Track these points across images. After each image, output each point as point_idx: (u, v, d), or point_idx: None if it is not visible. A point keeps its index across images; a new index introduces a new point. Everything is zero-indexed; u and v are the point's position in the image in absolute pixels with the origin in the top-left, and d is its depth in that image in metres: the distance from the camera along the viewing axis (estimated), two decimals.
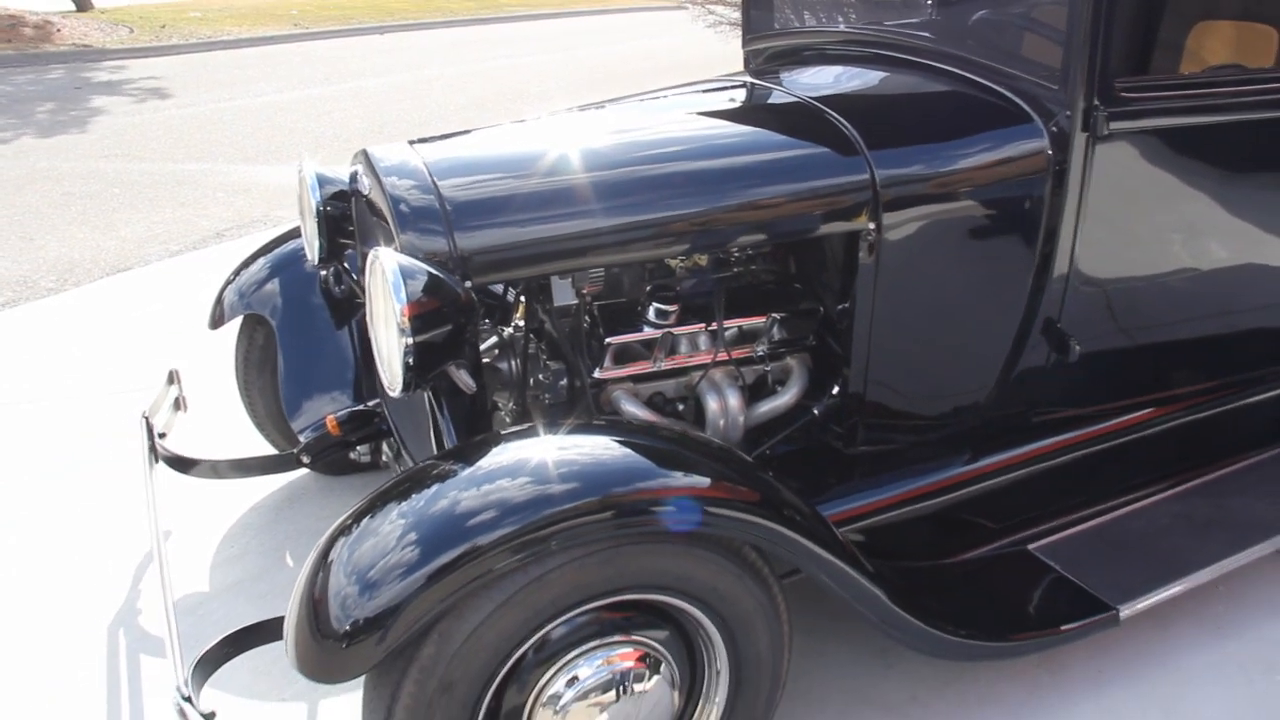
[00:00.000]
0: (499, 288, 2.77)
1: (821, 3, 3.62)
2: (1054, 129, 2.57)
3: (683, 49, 15.51)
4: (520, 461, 1.94)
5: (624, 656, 2.07)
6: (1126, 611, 2.60)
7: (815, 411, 2.82)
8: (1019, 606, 2.65)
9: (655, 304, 2.60)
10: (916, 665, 2.80)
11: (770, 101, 2.95)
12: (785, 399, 2.78)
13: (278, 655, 2.76)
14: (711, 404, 2.67)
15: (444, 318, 2.17)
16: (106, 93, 13.25)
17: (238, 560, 3.33)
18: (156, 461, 3.12)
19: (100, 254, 6.74)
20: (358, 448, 3.20)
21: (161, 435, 3.22)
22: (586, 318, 2.63)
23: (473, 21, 22.94)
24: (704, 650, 2.20)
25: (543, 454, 1.95)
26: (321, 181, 3.06)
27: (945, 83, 2.83)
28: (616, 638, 2.07)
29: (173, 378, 3.48)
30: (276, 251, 3.52)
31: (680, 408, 2.72)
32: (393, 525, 1.88)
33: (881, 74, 3.02)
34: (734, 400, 2.68)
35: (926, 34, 3.01)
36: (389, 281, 2.12)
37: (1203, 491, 3.09)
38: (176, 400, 3.46)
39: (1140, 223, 2.75)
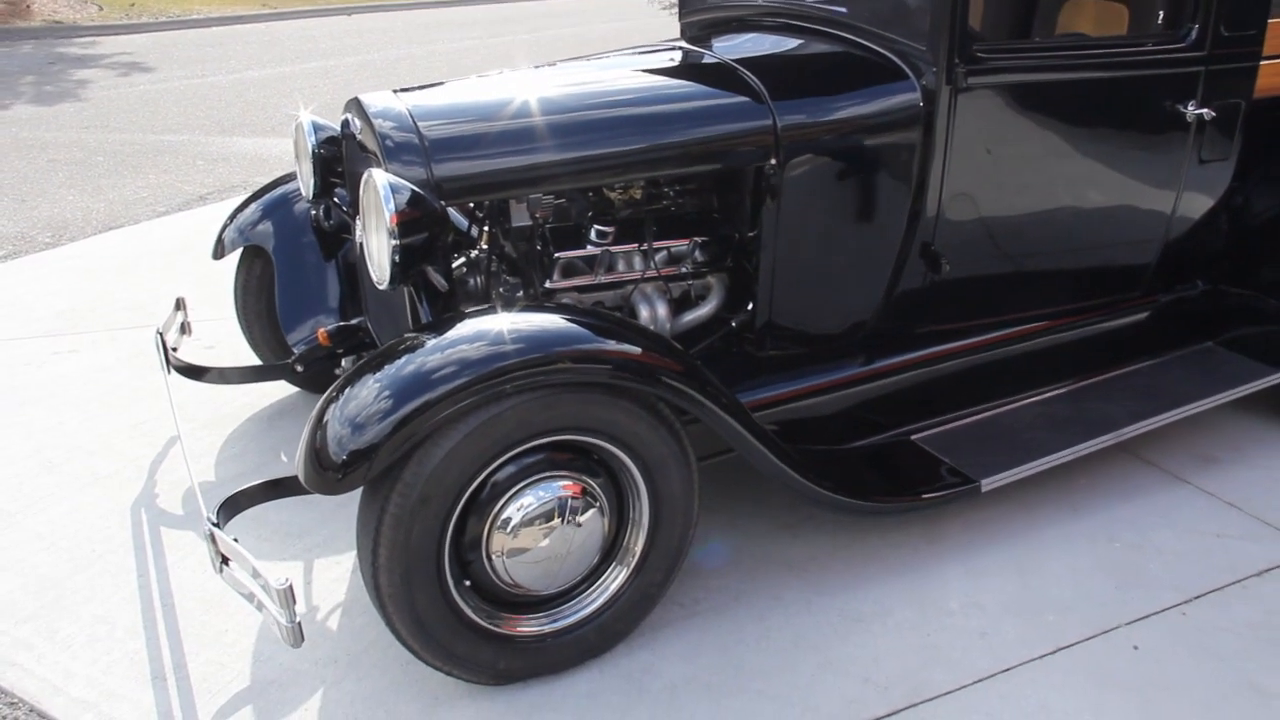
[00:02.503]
0: (464, 222, 3.29)
1: None
2: (924, 84, 3.13)
3: (648, 30, 16.01)
4: (480, 331, 2.47)
5: (566, 488, 2.61)
6: (988, 484, 3.16)
7: (733, 323, 3.36)
8: (897, 479, 3.20)
9: (596, 226, 3.13)
10: (816, 535, 3.36)
11: (695, 62, 3.49)
12: (705, 310, 3.32)
13: (281, 523, 3.32)
14: (643, 313, 3.21)
15: (423, 225, 2.70)
16: (82, 67, 13.66)
17: (239, 457, 3.86)
18: (170, 372, 3.65)
19: (90, 214, 7.20)
20: (343, 361, 3.72)
21: (174, 349, 3.74)
22: (539, 238, 3.16)
23: (441, 4, 23.30)
24: (630, 488, 2.74)
25: (499, 325, 2.49)
26: (316, 128, 3.58)
27: (839, 46, 3.39)
28: (558, 474, 2.61)
29: (180, 304, 4.00)
30: (271, 194, 4.04)
31: (620, 317, 3.25)
32: (377, 380, 2.42)
33: (790, 39, 3.57)
34: (662, 310, 3.22)
35: (827, 6, 3.55)
36: (380, 195, 2.65)
37: (1066, 398, 3.66)
38: (183, 325, 3.98)
39: (998, 162, 3.30)
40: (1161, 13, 3.52)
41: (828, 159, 3.15)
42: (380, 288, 2.81)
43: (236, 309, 4.11)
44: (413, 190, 2.70)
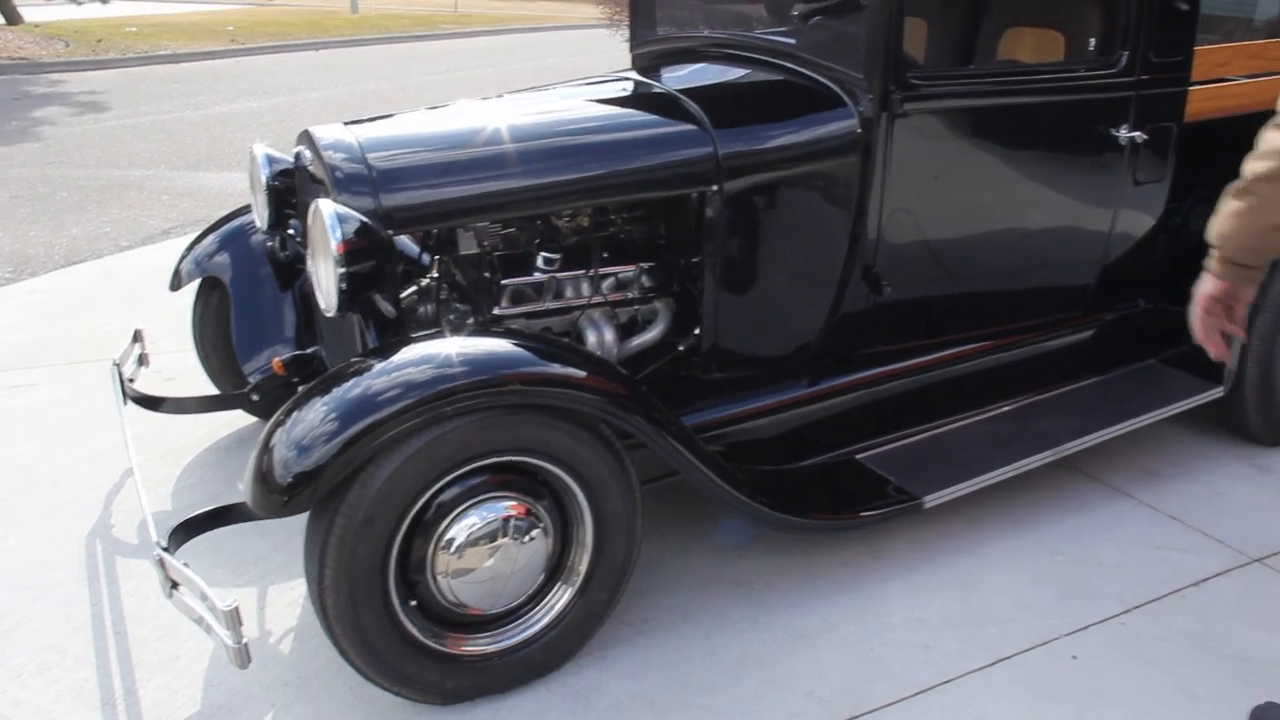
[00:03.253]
0: (415, 250, 3.35)
1: (692, 16, 4.26)
2: (861, 111, 3.21)
3: (616, 62, 16.11)
4: (424, 354, 2.54)
5: (510, 509, 2.67)
6: (930, 501, 3.23)
7: (680, 347, 3.42)
8: (841, 497, 3.26)
9: (543, 253, 3.20)
10: (763, 554, 3.42)
11: (640, 92, 3.57)
12: (652, 335, 3.38)
13: (234, 551, 3.35)
14: (590, 338, 3.27)
15: (369, 254, 2.76)
16: (47, 104, 13.66)
17: (197, 486, 3.89)
18: (126, 402, 3.68)
19: (52, 249, 7.22)
20: (299, 389, 3.76)
21: (130, 380, 3.78)
22: (487, 265, 3.21)
23: (408, 38, 23.50)
24: (574, 508, 2.79)
25: (445, 349, 2.55)
26: (270, 160, 3.65)
27: (781, 75, 3.47)
28: (502, 494, 2.67)
29: (137, 336, 4.04)
30: (228, 225, 4.09)
31: (566, 341, 3.31)
32: (322, 403, 2.49)
33: (735, 69, 3.66)
34: (609, 335, 3.28)
35: (771, 37, 3.64)
36: (326, 224, 2.71)
37: (1010, 416, 3.74)
38: (140, 357, 4.02)
39: (937, 186, 3.38)
40: (1094, 40, 3.63)
41: (768, 185, 3.23)
42: (328, 315, 2.87)
43: (194, 340, 4.14)
44: (360, 220, 2.76)
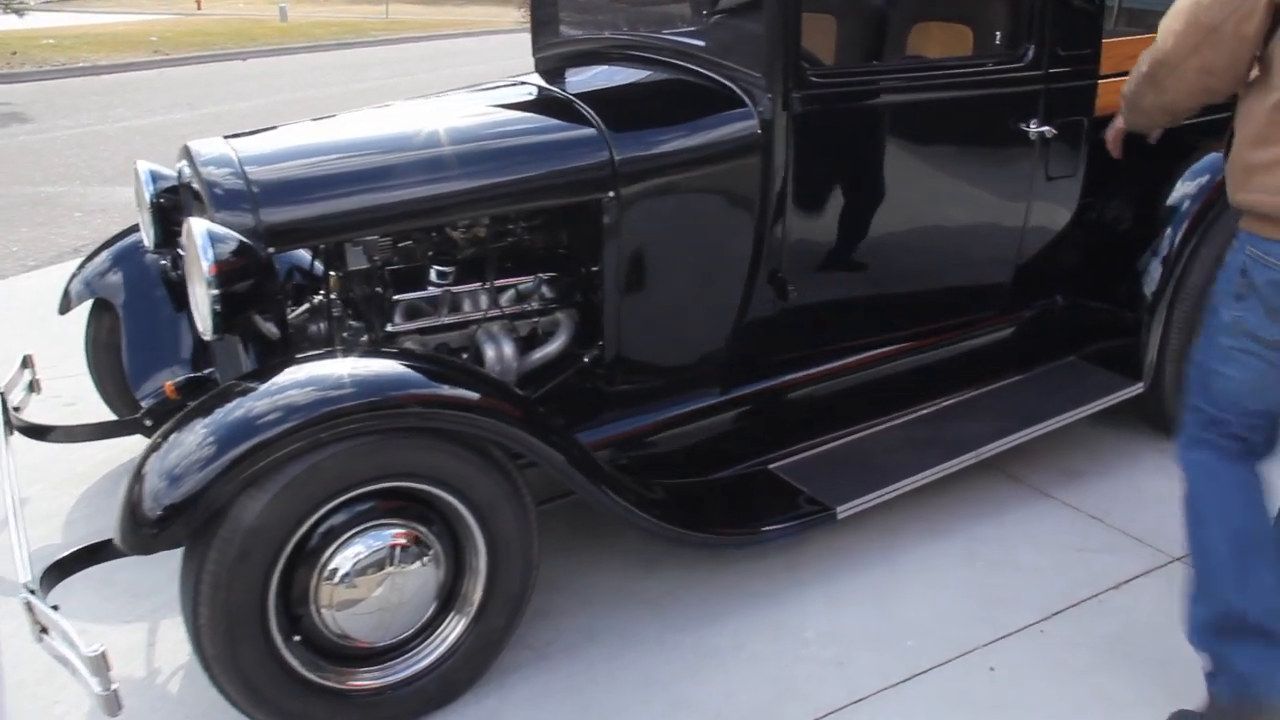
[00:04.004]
0: (305, 261, 3.22)
1: (595, 17, 4.15)
2: (760, 111, 3.12)
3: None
4: (310, 376, 2.42)
5: (396, 537, 2.55)
6: (843, 511, 3.15)
7: (585, 359, 3.32)
8: (751, 510, 3.17)
9: (435, 267, 3.08)
10: (674, 569, 3.32)
11: (536, 97, 3.45)
12: (554, 347, 3.27)
13: (128, 584, 3.21)
14: (488, 352, 3.15)
15: (246, 274, 2.63)
16: None
17: (91, 518, 3.72)
18: (11, 432, 3.52)
19: None
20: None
21: (16, 409, 3.62)
22: (379, 280, 3.10)
23: (336, 46, 23.23)
24: (465, 534, 2.67)
25: (330, 370, 2.44)
26: (155, 177, 3.51)
27: (683, 76, 3.38)
28: (390, 521, 2.55)
29: (27, 361, 3.87)
30: (118, 244, 3.94)
31: (464, 357, 3.20)
32: (195, 433, 2.36)
33: (637, 71, 3.56)
34: (508, 349, 3.16)
35: (673, 37, 3.55)
36: (198, 244, 2.58)
37: (928, 419, 3.66)
38: (31, 383, 3.85)
39: (844, 186, 3.31)
40: (999, 33, 3.56)
41: (667, 189, 3.13)
42: (205, 338, 2.73)
43: (88, 364, 3.99)
44: (236, 239, 2.63)
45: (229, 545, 2.31)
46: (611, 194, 3.05)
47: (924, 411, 3.69)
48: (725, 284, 3.29)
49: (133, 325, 3.78)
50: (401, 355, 2.66)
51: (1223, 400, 2.51)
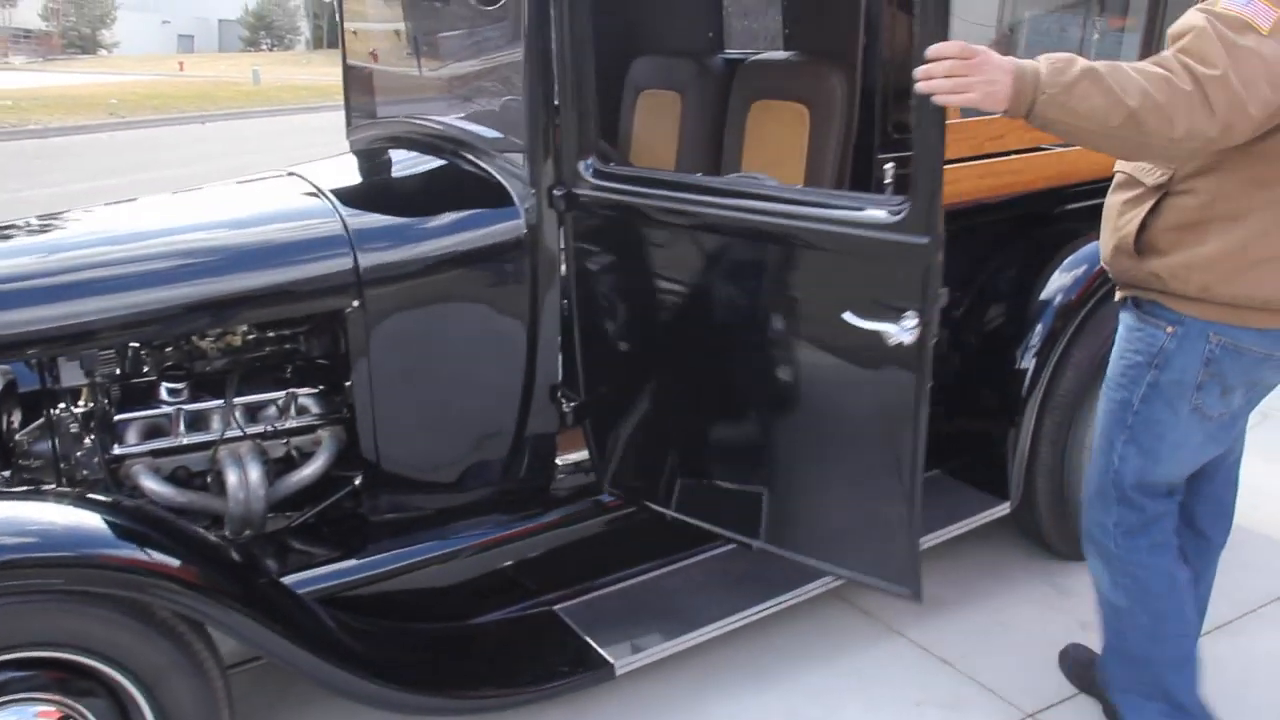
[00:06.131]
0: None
1: (405, 98, 3.77)
2: (527, 208, 2.75)
3: None
4: None
5: (39, 715, 2.13)
6: (623, 667, 2.73)
7: (356, 481, 2.92)
8: (523, 666, 2.75)
9: (165, 383, 2.71)
10: None
11: (288, 192, 3.07)
12: (310, 470, 2.85)
13: None
14: (231, 477, 2.74)
15: None
16: None
17: None
18: None
19: None
20: None
21: None
22: (103, 397, 2.71)
23: (299, 110, 22.93)
24: (132, 708, 2.25)
25: None
26: None
27: (457, 165, 3.03)
28: (37, 695, 2.14)
29: None
30: None
31: (209, 480, 2.80)
32: None
33: (420, 159, 3.20)
34: (255, 473, 2.75)
35: (458, 124, 3.19)
36: None
37: (752, 551, 3.22)
38: None
39: (619, 291, 2.90)
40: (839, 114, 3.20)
41: (422, 294, 2.78)
42: None
43: None
44: None
45: None
46: (355, 302, 2.68)
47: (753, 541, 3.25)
48: (496, 400, 2.91)
49: None
50: (53, 498, 2.26)
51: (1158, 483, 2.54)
